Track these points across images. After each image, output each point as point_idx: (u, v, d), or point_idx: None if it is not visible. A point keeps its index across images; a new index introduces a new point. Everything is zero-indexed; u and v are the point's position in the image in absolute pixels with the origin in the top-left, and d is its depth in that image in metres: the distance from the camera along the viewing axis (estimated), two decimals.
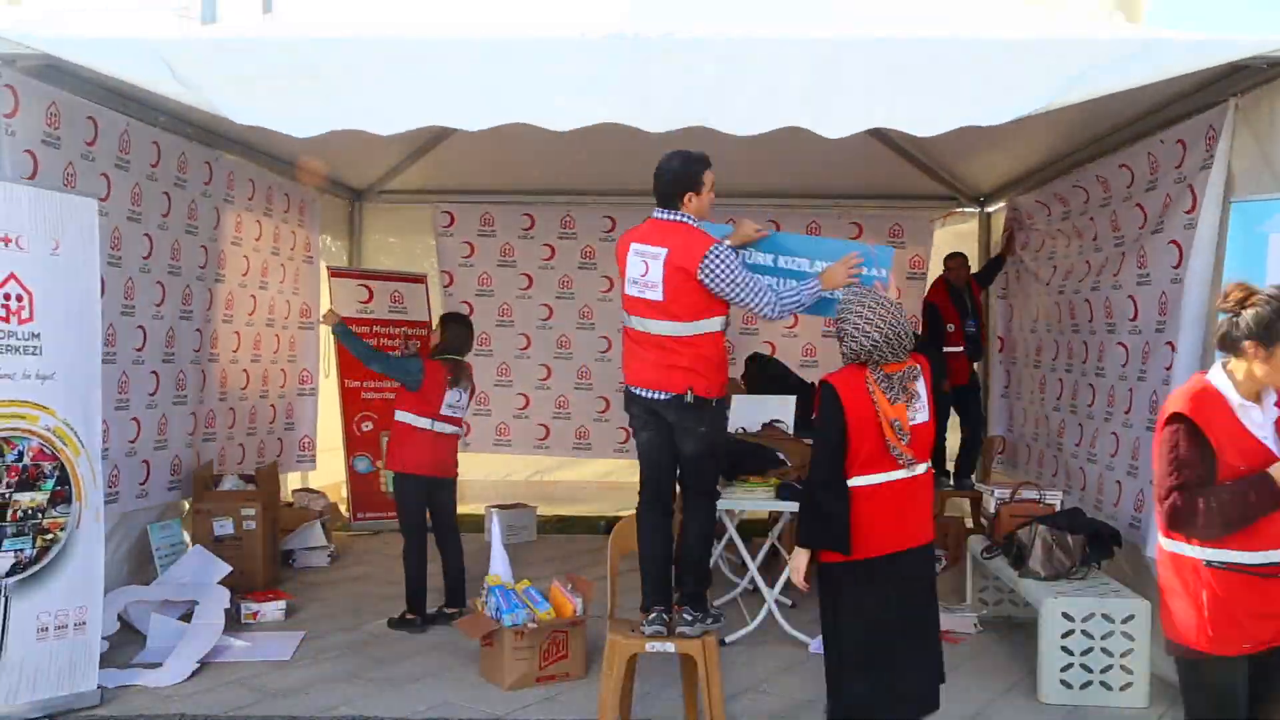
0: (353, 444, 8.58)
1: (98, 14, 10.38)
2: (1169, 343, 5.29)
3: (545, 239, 9.20)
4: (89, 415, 4.64)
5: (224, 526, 6.35)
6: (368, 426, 8.61)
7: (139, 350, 5.94)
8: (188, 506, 6.56)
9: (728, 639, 5.52)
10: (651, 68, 4.27)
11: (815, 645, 5.46)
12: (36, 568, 4.40)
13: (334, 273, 8.62)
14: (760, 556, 6.06)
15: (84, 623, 4.55)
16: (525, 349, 9.27)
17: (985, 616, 5.98)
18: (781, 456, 5.74)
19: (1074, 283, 6.70)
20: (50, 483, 4.43)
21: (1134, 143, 5.81)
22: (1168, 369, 5.28)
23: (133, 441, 5.91)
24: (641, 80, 4.28)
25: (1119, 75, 4.25)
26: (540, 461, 9.46)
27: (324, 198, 8.62)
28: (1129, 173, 5.91)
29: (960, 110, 4.21)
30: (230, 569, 5.86)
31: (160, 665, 5.04)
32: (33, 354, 4.40)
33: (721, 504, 5.69)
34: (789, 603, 6.23)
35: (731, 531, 6.62)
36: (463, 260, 9.22)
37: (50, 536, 4.44)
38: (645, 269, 4.27)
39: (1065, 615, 4.79)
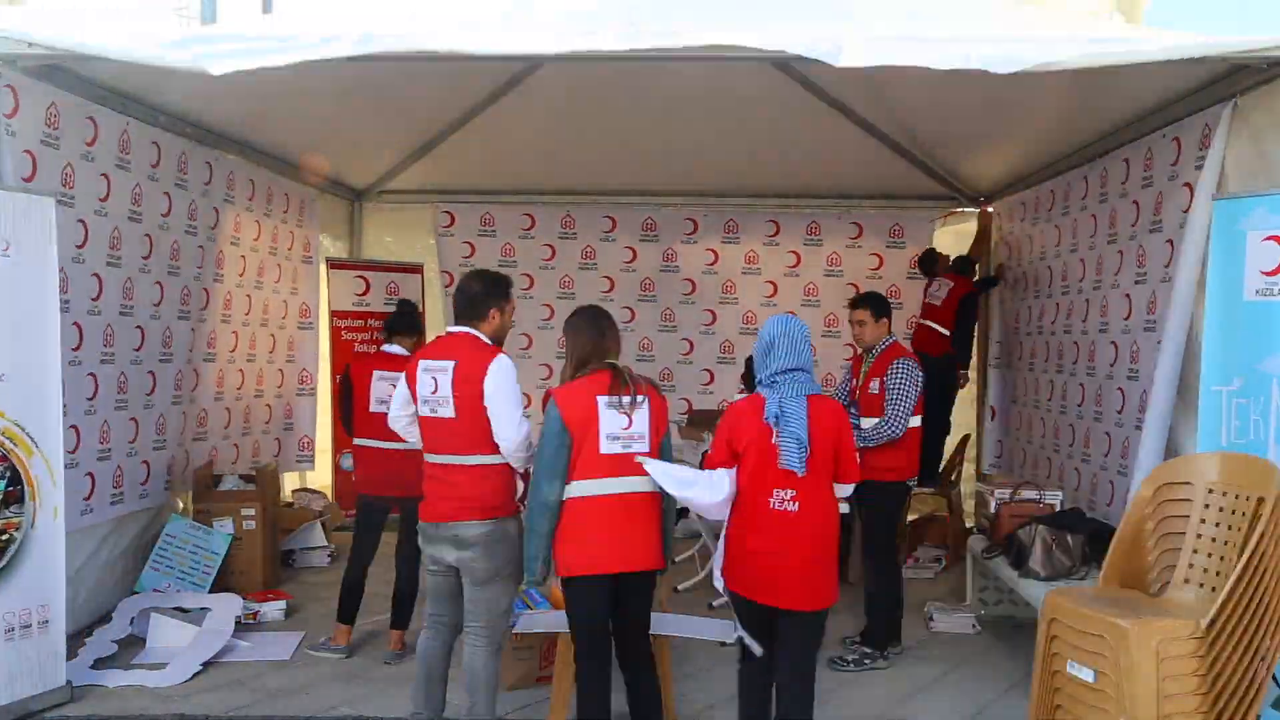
0: (340, 441, 8.58)
1: (97, 14, 10.38)
2: (1159, 341, 5.29)
3: (545, 239, 9.21)
4: (46, 415, 4.56)
5: (224, 526, 6.34)
6: None
7: (137, 350, 5.94)
8: (182, 506, 6.56)
9: (727, 641, 5.53)
10: None
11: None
12: None
13: (332, 264, 8.67)
14: None
15: (47, 621, 4.55)
16: (527, 349, 9.27)
17: (985, 616, 5.98)
18: None
19: (1074, 283, 6.70)
20: (1, 484, 4.39)
21: (1133, 142, 5.81)
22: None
23: (132, 442, 5.91)
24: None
25: (1124, 51, 4.24)
26: None
27: (324, 197, 8.63)
28: (1125, 170, 5.92)
29: (969, 55, 4.16)
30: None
31: (162, 665, 5.05)
32: None
33: None
34: None
35: None
36: (463, 260, 9.22)
37: (6, 537, 4.41)
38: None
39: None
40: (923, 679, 5.06)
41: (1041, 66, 4.04)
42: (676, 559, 7.35)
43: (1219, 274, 4.36)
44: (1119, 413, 5.82)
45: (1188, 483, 3.88)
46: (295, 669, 5.14)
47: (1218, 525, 3.75)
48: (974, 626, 5.84)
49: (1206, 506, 3.79)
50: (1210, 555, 3.75)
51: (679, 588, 6.59)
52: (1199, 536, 3.79)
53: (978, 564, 6.04)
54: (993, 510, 5.80)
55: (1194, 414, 4.74)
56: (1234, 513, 3.70)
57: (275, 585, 6.53)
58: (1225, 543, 3.69)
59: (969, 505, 7.82)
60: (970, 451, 8.31)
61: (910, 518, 8.09)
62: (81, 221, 5.33)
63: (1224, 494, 3.76)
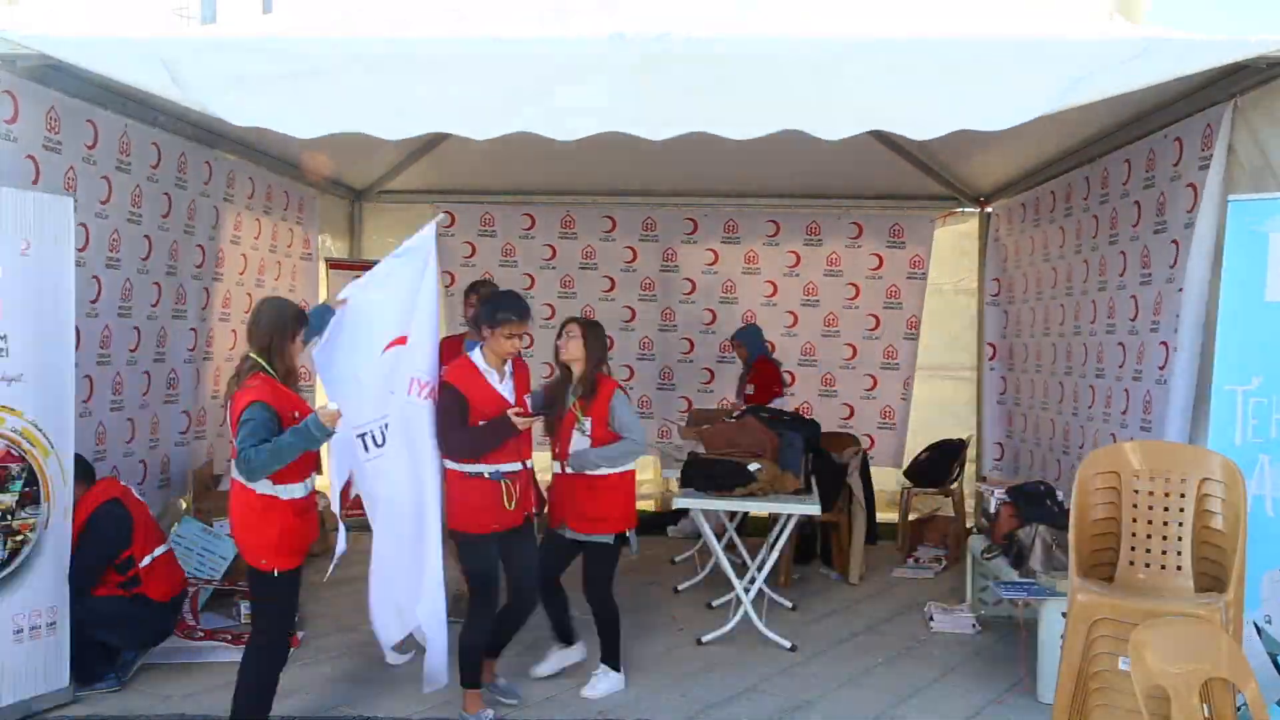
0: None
1: (97, 14, 10.37)
2: (1163, 343, 5.28)
3: (546, 239, 9.21)
4: (61, 415, 4.57)
5: (224, 526, 6.33)
6: None
7: (133, 351, 5.94)
8: (185, 506, 6.56)
9: (704, 638, 5.57)
10: (650, 73, 4.27)
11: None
12: (9, 569, 4.38)
13: (332, 264, 8.67)
14: (760, 557, 6.06)
15: (54, 622, 4.55)
16: (528, 348, 9.22)
17: (985, 616, 5.98)
18: (753, 469, 5.68)
19: (1078, 284, 6.70)
20: (18, 484, 4.39)
21: (1134, 142, 5.81)
22: (1161, 368, 5.28)
23: (128, 442, 5.92)
24: (641, 87, 4.28)
25: (1120, 78, 4.23)
26: (540, 460, 9.43)
27: (324, 197, 8.62)
28: (1126, 170, 5.92)
29: (960, 114, 4.20)
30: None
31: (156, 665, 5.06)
32: (1, 356, 4.33)
33: (721, 504, 5.73)
34: (789, 605, 6.23)
35: (731, 532, 6.64)
36: (463, 260, 9.23)
37: (20, 538, 4.41)
38: None
39: (1065, 615, 4.77)
40: (922, 679, 5.07)
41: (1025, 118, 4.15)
42: (676, 559, 7.37)
43: (1235, 274, 4.35)
44: (1123, 414, 5.82)
45: (1114, 472, 4.13)
46: (295, 669, 5.13)
47: (1150, 509, 4.06)
48: (974, 626, 5.84)
49: (1136, 492, 4.08)
50: (1150, 537, 4.06)
51: (679, 588, 6.60)
52: (1134, 521, 4.08)
53: (978, 564, 6.05)
54: (993, 510, 5.80)
55: (1202, 414, 4.75)
56: (1166, 495, 4.03)
57: None
58: (1164, 523, 4.03)
59: (969, 505, 7.84)
60: (971, 452, 8.32)
61: (911, 517, 8.11)
62: (83, 225, 5.32)
63: (1150, 479, 4.06)
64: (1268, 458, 4.19)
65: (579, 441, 4.86)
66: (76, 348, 5.26)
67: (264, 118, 4.36)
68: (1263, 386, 4.26)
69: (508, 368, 4.68)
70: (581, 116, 4.30)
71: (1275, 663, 4.14)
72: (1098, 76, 4.20)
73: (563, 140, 4.31)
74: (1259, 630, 4.14)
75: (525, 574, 4.65)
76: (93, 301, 5.49)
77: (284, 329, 4.04)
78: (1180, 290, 5.02)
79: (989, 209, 8.73)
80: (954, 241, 8.99)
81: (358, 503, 8.65)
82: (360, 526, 8.71)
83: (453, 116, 4.41)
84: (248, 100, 4.36)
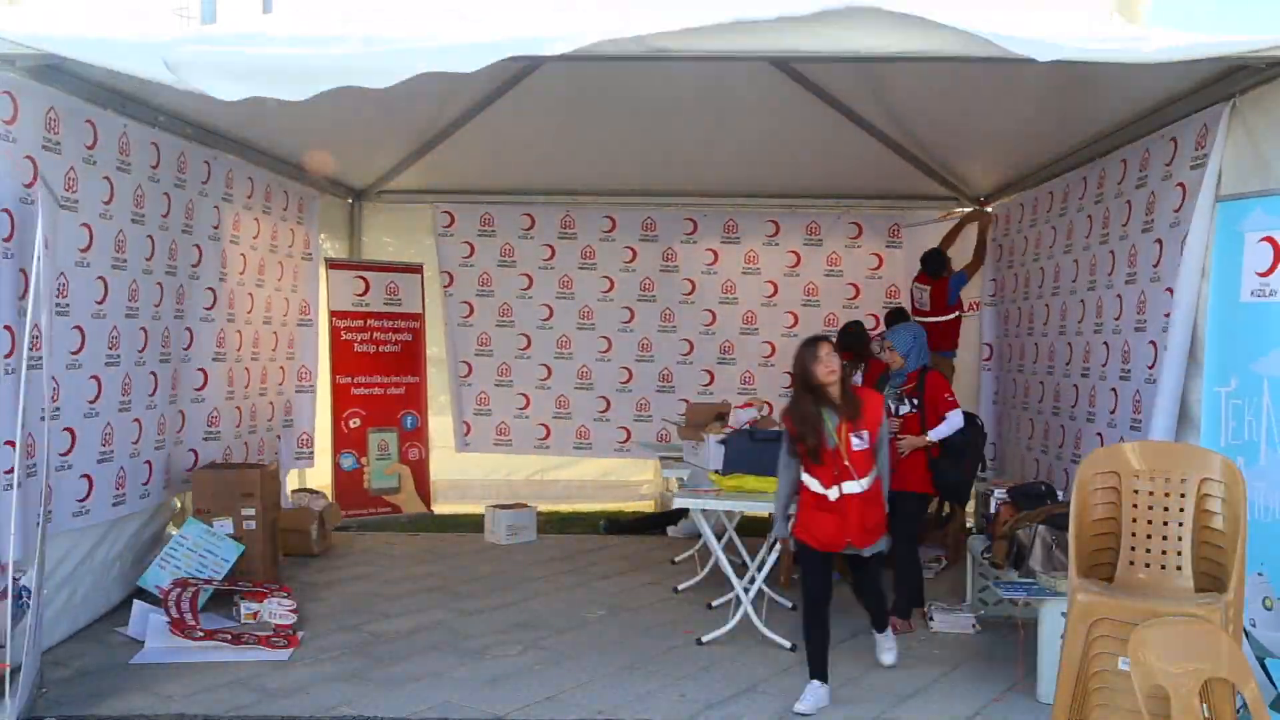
0: (340, 441, 8.60)
1: (97, 14, 10.37)
2: (1151, 342, 5.29)
3: (545, 239, 9.22)
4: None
5: (224, 526, 6.34)
6: (355, 424, 8.64)
7: (141, 351, 5.93)
8: (179, 506, 6.57)
9: (705, 638, 5.56)
10: None
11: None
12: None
13: (332, 264, 8.69)
14: (760, 557, 6.06)
15: None
16: (525, 349, 9.28)
17: (985, 616, 5.98)
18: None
19: (1066, 283, 6.72)
20: None
21: (1133, 142, 5.81)
22: (1150, 368, 5.28)
23: (135, 443, 5.92)
24: None
25: (1123, 52, 4.25)
26: (541, 461, 9.47)
27: (324, 197, 8.63)
28: (1123, 170, 5.92)
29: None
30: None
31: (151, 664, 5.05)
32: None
33: (721, 504, 5.73)
34: (789, 605, 6.23)
35: (731, 532, 6.63)
36: (463, 260, 9.24)
37: None
38: None
39: (1065, 615, 4.77)
40: (922, 679, 5.07)
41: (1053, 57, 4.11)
42: (676, 559, 7.37)
43: (1219, 275, 4.37)
44: (1111, 413, 5.82)
45: (1114, 472, 4.13)
46: (295, 669, 5.14)
47: (1150, 509, 4.05)
48: (974, 626, 5.84)
49: (1136, 492, 4.08)
50: (1150, 537, 4.05)
51: (679, 588, 6.60)
52: (1134, 521, 4.07)
53: (978, 564, 6.05)
54: (993, 510, 5.80)
55: (1188, 416, 4.75)
56: (1166, 495, 4.02)
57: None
58: (1164, 523, 4.03)
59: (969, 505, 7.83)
60: None
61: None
62: (86, 226, 5.32)
63: (1150, 479, 4.05)
64: (1243, 460, 4.17)
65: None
66: (78, 350, 5.27)
67: (253, 90, 4.33)
68: (1239, 388, 4.27)
69: None
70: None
71: (1263, 666, 4.13)
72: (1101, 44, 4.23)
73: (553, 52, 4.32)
74: (1245, 634, 4.13)
75: None
76: (99, 303, 5.48)
77: None
78: (1167, 289, 5.03)
79: (989, 209, 8.73)
80: (955, 243, 8.98)
81: (357, 501, 8.73)
82: (360, 526, 8.76)
83: (435, 55, 4.40)
84: (239, 76, 4.33)
